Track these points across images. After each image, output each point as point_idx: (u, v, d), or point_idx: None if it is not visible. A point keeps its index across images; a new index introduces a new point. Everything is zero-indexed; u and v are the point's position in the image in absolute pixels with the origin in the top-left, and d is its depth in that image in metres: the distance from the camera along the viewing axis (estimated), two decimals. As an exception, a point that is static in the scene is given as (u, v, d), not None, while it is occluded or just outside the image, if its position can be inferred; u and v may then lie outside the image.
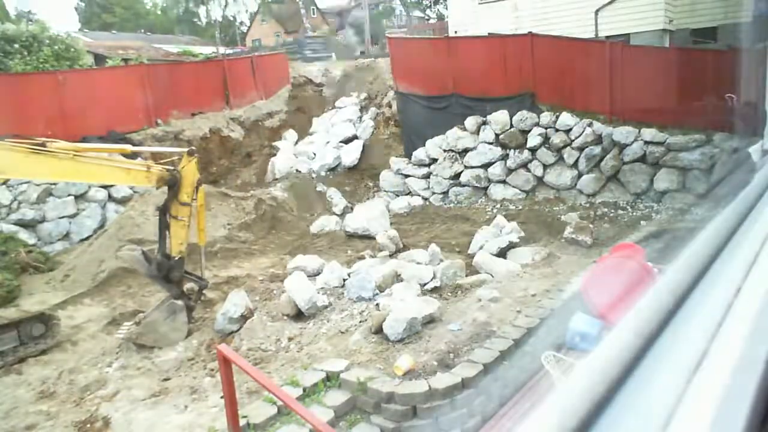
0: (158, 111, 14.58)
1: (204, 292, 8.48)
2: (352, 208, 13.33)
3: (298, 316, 7.64)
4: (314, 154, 16.01)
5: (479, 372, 5.30)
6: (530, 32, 14.07)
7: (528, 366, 4.58)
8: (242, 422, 4.75)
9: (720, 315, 0.78)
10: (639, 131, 11.64)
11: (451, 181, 14.01)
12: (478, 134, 13.76)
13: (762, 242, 1.05)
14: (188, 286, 8.27)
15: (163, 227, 7.69)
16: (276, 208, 13.12)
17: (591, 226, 10.34)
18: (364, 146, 16.06)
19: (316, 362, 6.09)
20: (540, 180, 12.94)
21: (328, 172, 15.51)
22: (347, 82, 18.90)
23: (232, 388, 4.35)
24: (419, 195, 14.35)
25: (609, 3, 15.59)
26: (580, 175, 12.38)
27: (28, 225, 11.17)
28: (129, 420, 5.92)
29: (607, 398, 0.62)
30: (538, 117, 12.97)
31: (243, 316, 7.84)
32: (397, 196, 14.53)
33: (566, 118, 12.55)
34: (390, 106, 16.37)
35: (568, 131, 12.55)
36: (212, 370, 6.75)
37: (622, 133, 11.75)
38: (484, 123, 13.67)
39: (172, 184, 7.47)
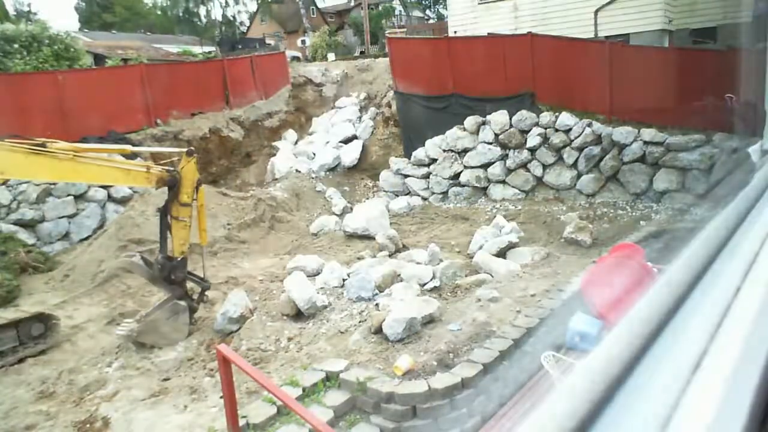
0: (158, 111, 14.57)
1: (206, 293, 8.47)
2: (351, 208, 13.32)
3: (298, 316, 7.64)
4: (314, 154, 16.01)
5: (479, 372, 5.30)
6: (530, 32, 14.08)
7: (528, 366, 4.59)
8: (242, 422, 4.75)
9: (720, 315, 0.78)
10: (638, 131, 11.64)
11: (451, 181, 14.02)
12: (477, 134, 13.76)
13: (762, 242, 1.05)
14: (188, 286, 8.26)
15: (164, 228, 7.67)
16: (275, 208, 13.12)
17: (590, 226, 10.35)
18: (363, 146, 16.06)
19: (315, 362, 6.09)
20: (539, 180, 12.94)
21: (328, 172, 15.51)
22: (347, 81, 18.90)
23: (231, 388, 4.35)
24: (419, 195, 14.36)
25: (608, 3, 15.59)
26: (579, 175, 12.38)
27: (27, 225, 11.16)
28: (129, 420, 5.92)
29: (607, 398, 0.62)
30: (538, 117, 12.97)
31: (242, 316, 7.84)
32: (397, 196, 14.53)
33: (566, 118, 12.55)
34: (389, 106, 16.37)
35: (567, 131, 12.55)
36: (212, 370, 6.74)
37: (622, 133, 11.75)
38: (484, 123, 13.67)
39: (172, 184, 7.46)
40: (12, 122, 11.43)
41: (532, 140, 12.91)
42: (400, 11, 48.51)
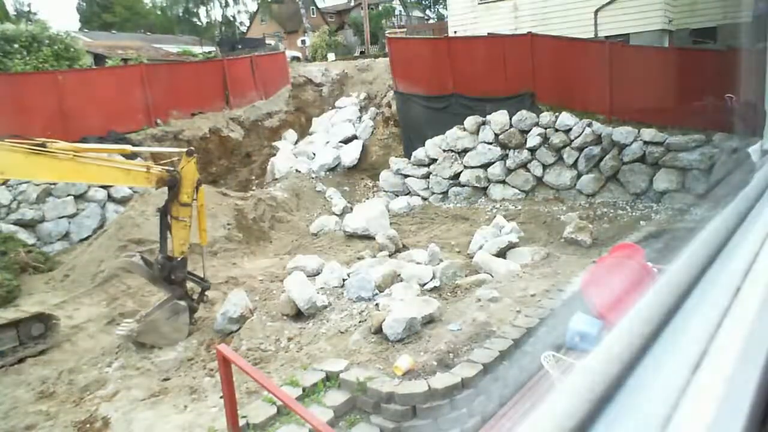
0: (158, 111, 14.57)
1: (206, 293, 8.47)
2: (351, 208, 13.33)
3: (298, 316, 7.64)
4: (314, 154, 16.01)
5: (479, 372, 5.30)
6: (530, 32, 14.08)
7: (528, 366, 4.59)
8: (242, 422, 4.75)
9: (720, 315, 0.78)
10: (638, 131, 11.64)
11: (451, 181, 14.02)
12: (477, 134, 13.76)
13: (761, 242, 1.05)
14: (188, 286, 8.26)
15: (164, 228, 7.67)
16: (275, 208, 13.12)
17: (590, 226, 10.35)
18: (363, 146, 16.06)
19: (315, 362, 6.09)
20: (539, 180, 12.94)
21: (328, 172, 15.50)
22: (347, 81, 18.90)
23: (231, 388, 4.35)
24: (419, 195, 14.36)
25: (608, 3, 15.59)
26: (579, 175, 12.38)
27: (27, 225, 11.16)
28: (128, 420, 5.92)
29: (607, 398, 0.62)
30: (538, 117, 12.97)
31: (243, 316, 7.84)
32: (397, 196, 14.53)
33: (566, 118, 12.55)
34: (389, 106, 16.37)
35: (567, 131, 12.55)
36: (212, 370, 6.74)
37: (622, 133, 11.75)
38: (484, 123, 13.67)
39: (172, 184, 7.45)
40: (12, 122, 11.43)
41: (532, 140, 12.91)
42: (400, 11, 48.52)
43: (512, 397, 4.20)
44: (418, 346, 5.96)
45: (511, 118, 13.30)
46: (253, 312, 7.95)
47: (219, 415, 5.29)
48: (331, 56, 27.31)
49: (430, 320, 6.47)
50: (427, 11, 56.38)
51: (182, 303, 7.77)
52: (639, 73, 12.21)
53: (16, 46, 16.05)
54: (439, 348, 5.73)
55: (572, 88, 13.04)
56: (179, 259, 7.73)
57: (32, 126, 11.32)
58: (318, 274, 8.90)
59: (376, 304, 7.29)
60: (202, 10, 48.37)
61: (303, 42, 40.17)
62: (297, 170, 15.28)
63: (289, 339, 7.10)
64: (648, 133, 11.52)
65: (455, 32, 18.57)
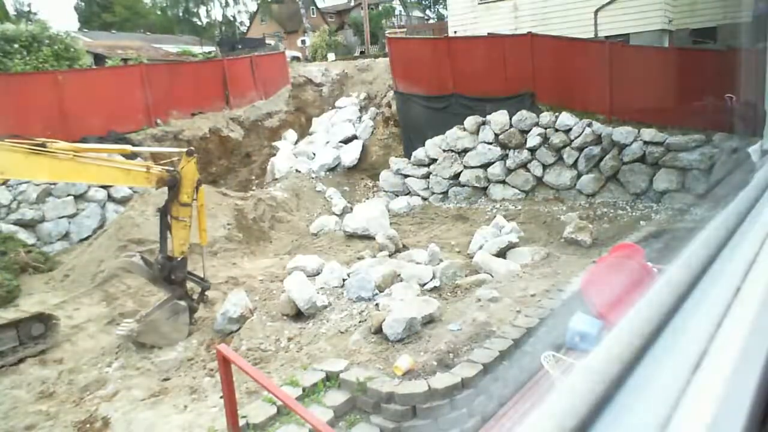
0: (158, 111, 14.57)
1: (206, 293, 8.47)
2: (351, 208, 13.32)
3: (298, 316, 7.64)
4: (314, 154, 16.01)
5: (479, 372, 5.30)
6: (530, 32, 14.07)
7: (528, 366, 4.59)
8: (242, 422, 4.75)
9: (719, 315, 0.78)
10: (638, 131, 11.64)
11: (451, 181, 14.02)
12: (477, 134, 13.76)
13: (761, 242, 1.05)
14: (188, 286, 8.26)
15: (164, 228, 7.67)
16: (275, 208, 13.12)
17: (590, 226, 10.35)
18: (363, 146, 16.05)
19: (315, 362, 6.10)
20: (539, 180, 12.94)
21: (328, 172, 15.50)
22: (347, 81, 18.90)
23: (231, 388, 4.35)
24: (419, 195, 14.36)
25: (608, 3, 15.59)
26: (579, 175, 12.38)
27: (27, 225, 11.16)
28: (128, 420, 5.92)
29: (607, 398, 0.62)
30: (538, 117, 12.97)
31: (242, 316, 7.84)
32: (397, 196, 14.54)
33: (566, 118, 12.55)
34: (389, 106, 16.37)
35: (567, 131, 12.55)
36: (212, 370, 6.74)
37: (622, 133, 11.75)
38: (484, 123, 13.67)
39: (172, 184, 7.46)
40: (12, 122, 11.42)
41: (532, 140, 12.91)
42: (400, 11, 48.53)
43: (512, 397, 4.20)
44: (418, 346, 5.97)
45: (511, 118, 13.30)
46: (253, 312, 7.95)
47: (219, 415, 5.29)
48: (331, 56, 27.30)
49: (430, 320, 6.47)
50: (427, 11, 56.41)
51: (182, 303, 7.78)
52: (639, 73, 12.21)
53: (16, 46, 16.04)
54: (439, 348, 5.73)
55: (572, 88, 13.04)
56: (179, 259, 7.73)
57: (32, 126, 11.33)
58: (318, 274, 8.89)
59: (376, 304, 7.29)
60: (202, 10, 48.41)
61: (303, 42, 40.17)
62: (297, 170, 15.28)
63: (289, 339, 7.11)
64: (648, 133, 11.51)
65: (455, 32, 18.56)
